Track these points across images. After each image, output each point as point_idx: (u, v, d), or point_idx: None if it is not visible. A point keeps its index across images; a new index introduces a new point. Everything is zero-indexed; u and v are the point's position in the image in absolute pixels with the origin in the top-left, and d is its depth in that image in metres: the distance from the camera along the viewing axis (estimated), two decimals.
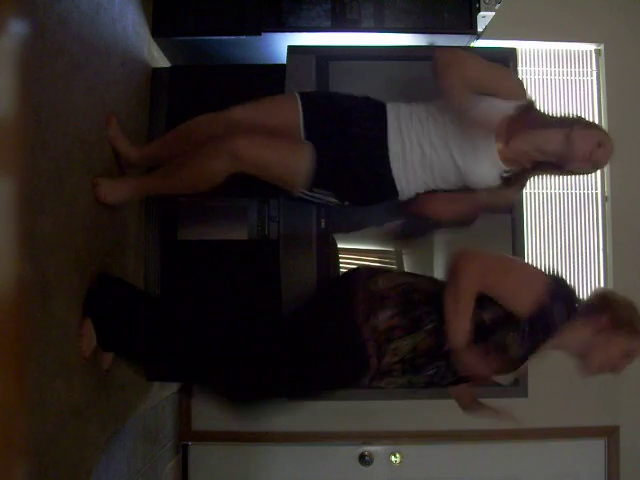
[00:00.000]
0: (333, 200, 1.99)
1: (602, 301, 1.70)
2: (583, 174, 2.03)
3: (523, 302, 1.59)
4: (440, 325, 1.62)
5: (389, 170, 1.93)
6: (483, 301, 1.62)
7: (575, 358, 1.69)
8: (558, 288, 1.63)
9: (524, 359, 1.64)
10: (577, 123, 1.89)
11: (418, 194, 2.02)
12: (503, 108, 1.88)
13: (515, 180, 1.95)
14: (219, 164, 1.88)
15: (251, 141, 1.89)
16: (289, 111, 1.97)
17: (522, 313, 1.58)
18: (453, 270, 1.63)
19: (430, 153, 1.91)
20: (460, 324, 1.58)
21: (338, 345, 1.68)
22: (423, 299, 1.67)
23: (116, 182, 1.98)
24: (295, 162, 1.91)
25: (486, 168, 1.90)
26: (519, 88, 1.96)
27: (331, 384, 1.80)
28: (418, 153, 1.92)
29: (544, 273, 1.69)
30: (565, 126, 1.87)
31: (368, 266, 1.87)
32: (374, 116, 1.94)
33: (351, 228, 2.46)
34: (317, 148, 1.91)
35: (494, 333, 1.62)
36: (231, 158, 1.86)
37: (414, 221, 2.27)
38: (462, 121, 1.85)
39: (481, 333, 1.61)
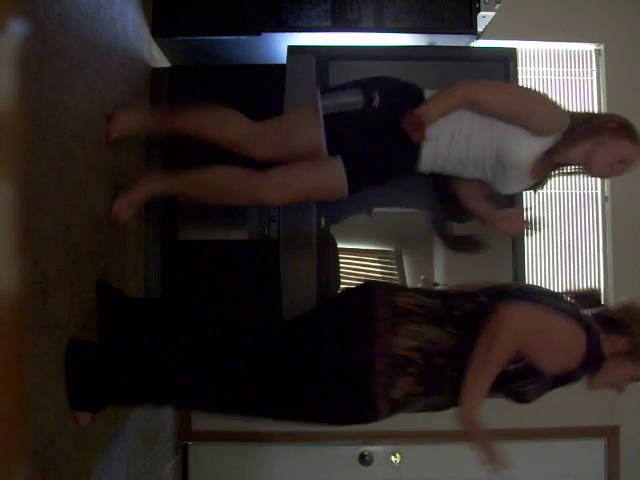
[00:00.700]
0: (360, 99, 1.92)
1: (626, 318, 1.63)
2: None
3: (555, 367, 1.55)
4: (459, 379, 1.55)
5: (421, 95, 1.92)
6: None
7: None
8: (592, 350, 1.56)
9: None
10: (607, 131, 1.86)
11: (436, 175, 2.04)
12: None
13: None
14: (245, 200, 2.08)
15: (281, 187, 1.98)
16: (312, 130, 1.95)
17: (551, 373, 1.55)
18: (493, 329, 1.51)
19: (468, 126, 1.90)
20: (477, 391, 1.51)
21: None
22: (446, 362, 1.58)
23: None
24: (331, 181, 1.97)
25: (525, 142, 1.87)
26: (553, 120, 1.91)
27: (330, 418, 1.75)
28: (457, 124, 1.90)
29: (583, 329, 1.56)
30: (594, 134, 1.85)
31: (384, 297, 1.65)
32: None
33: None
34: (344, 155, 1.95)
35: (515, 382, 1.58)
36: (268, 202, 2.06)
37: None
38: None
39: (502, 381, 1.55)
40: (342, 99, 1.92)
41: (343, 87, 1.97)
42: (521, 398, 1.62)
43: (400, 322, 1.57)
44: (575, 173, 2.01)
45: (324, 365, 1.63)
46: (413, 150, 1.92)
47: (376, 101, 1.88)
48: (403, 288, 1.70)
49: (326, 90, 1.99)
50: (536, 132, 1.85)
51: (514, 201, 2.36)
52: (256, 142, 1.99)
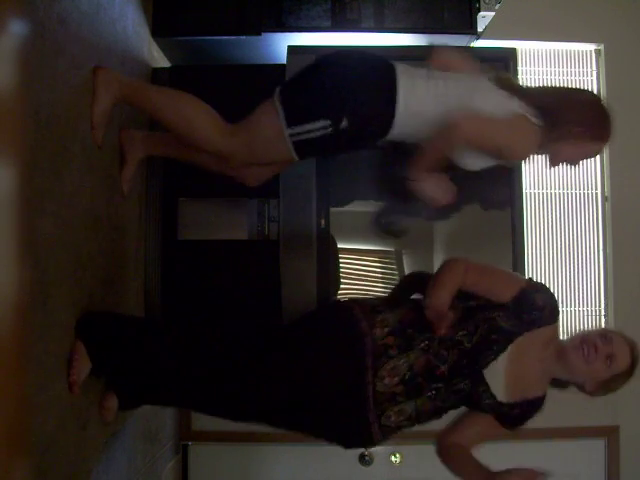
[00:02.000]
0: (329, 128, 1.80)
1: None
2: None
3: (503, 292, 1.70)
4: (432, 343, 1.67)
5: (394, 81, 1.79)
6: (467, 296, 1.72)
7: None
8: (537, 284, 1.76)
9: (517, 333, 1.68)
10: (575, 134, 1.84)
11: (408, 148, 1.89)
12: None
13: None
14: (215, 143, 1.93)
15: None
16: (282, 149, 1.89)
17: (504, 300, 1.69)
18: (438, 270, 1.76)
19: (441, 78, 1.82)
20: (440, 290, 1.67)
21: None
22: (423, 380, 1.69)
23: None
24: (264, 122, 1.87)
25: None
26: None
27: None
28: (426, 78, 1.81)
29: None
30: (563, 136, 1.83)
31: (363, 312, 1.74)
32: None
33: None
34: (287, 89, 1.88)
35: (482, 311, 1.70)
36: (223, 155, 1.94)
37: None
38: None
39: (469, 313, 1.70)
40: (309, 128, 1.82)
41: (307, 119, 1.84)
42: (499, 326, 1.68)
43: (380, 363, 1.66)
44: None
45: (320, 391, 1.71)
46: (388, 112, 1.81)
47: (344, 124, 1.80)
48: (377, 310, 1.73)
49: (286, 89, 1.89)
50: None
51: (514, 197, 2.37)
52: (225, 155, 1.96)
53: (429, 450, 3.18)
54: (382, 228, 2.49)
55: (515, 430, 1.77)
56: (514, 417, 1.72)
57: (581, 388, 1.74)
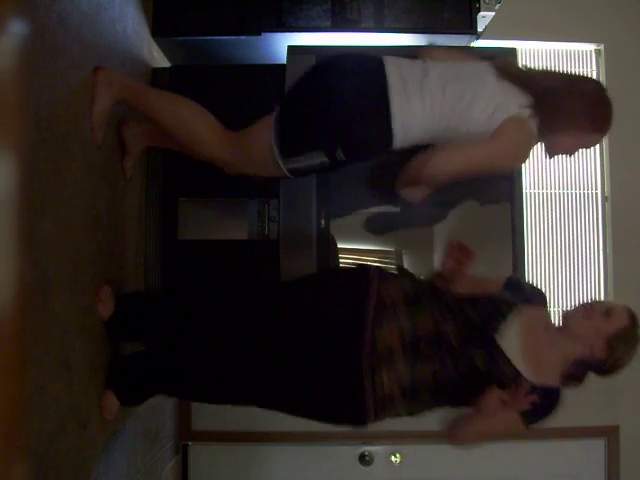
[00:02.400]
0: (324, 159, 1.80)
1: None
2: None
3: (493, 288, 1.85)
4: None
5: (387, 104, 1.75)
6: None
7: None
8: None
9: (515, 303, 1.74)
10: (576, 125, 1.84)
11: (411, 151, 1.86)
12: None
13: None
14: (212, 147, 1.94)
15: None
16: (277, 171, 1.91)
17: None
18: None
19: (436, 87, 1.78)
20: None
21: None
22: (429, 395, 1.68)
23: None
24: (259, 143, 1.85)
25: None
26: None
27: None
28: (421, 87, 1.77)
29: None
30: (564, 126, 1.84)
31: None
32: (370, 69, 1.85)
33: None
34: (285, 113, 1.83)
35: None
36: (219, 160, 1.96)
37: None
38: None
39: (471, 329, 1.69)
40: (303, 160, 1.82)
41: (302, 149, 1.82)
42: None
43: (382, 366, 1.65)
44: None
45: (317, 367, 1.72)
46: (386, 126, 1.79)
47: (340, 155, 1.80)
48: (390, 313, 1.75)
49: (280, 116, 1.83)
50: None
51: (514, 197, 2.37)
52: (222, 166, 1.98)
53: (429, 450, 3.18)
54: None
55: (532, 423, 1.71)
56: (533, 405, 1.65)
57: (594, 364, 1.69)
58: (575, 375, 1.71)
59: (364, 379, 1.65)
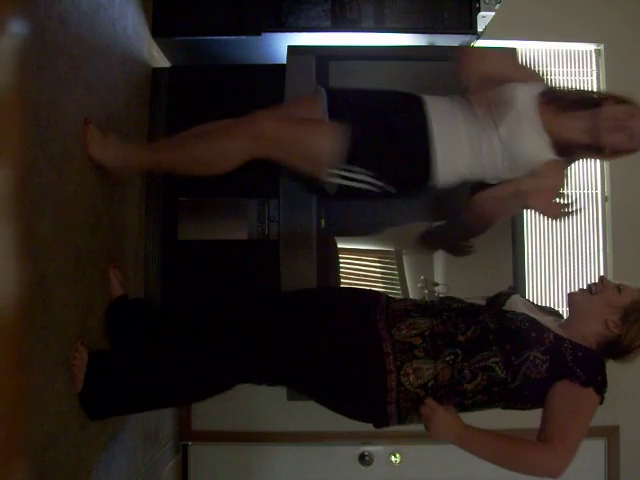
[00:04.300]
0: (374, 182, 1.82)
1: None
2: (631, 152, 1.90)
3: None
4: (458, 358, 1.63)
5: (428, 147, 1.81)
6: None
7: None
8: None
9: None
10: (605, 101, 1.85)
11: (452, 189, 1.92)
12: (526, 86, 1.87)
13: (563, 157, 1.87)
14: (240, 144, 1.76)
15: (276, 119, 1.80)
16: (313, 105, 1.87)
17: None
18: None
19: (476, 131, 1.84)
20: None
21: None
22: (443, 342, 1.65)
23: (107, 142, 1.82)
24: (322, 136, 1.77)
25: (533, 136, 1.82)
26: (537, 75, 1.97)
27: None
28: (463, 132, 1.84)
29: None
30: (592, 106, 1.85)
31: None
32: (410, 106, 1.87)
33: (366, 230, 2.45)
34: (350, 126, 1.79)
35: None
36: (255, 137, 1.75)
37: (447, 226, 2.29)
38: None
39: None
40: (359, 181, 1.82)
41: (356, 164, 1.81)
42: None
43: (404, 360, 1.62)
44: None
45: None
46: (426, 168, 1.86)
47: (392, 190, 1.85)
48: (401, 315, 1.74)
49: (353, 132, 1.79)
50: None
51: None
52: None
53: (429, 450, 3.18)
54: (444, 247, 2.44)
55: (601, 392, 1.59)
56: (588, 370, 1.58)
57: (610, 342, 1.66)
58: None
59: (388, 376, 1.62)
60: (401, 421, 1.69)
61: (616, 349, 1.66)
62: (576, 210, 1.81)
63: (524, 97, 1.83)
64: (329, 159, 1.77)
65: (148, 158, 1.95)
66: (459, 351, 1.60)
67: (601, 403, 1.61)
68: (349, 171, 1.79)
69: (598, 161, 3.21)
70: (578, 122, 1.84)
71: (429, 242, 2.38)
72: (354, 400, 1.70)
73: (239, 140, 1.77)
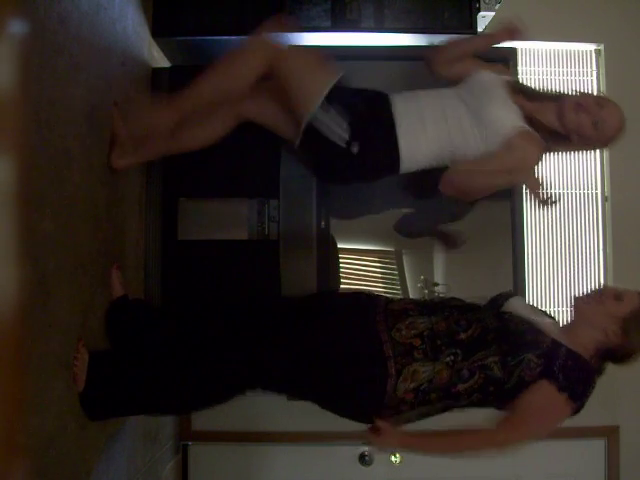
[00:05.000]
0: (342, 134, 1.88)
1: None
2: (599, 147, 2.02)
3: None
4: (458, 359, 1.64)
5: (395, 139, 1.90)
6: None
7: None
8: None
9: None
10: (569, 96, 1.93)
11: (422, 173, 1.98)
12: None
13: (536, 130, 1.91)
14: (257, 58, 1.88)
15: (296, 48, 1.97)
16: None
17: None
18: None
19: (443, 108, 1.91)
20: None
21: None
22: (443, 342, 1.65)
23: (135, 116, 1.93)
24: (324, 70, 1.91)
25: (501, 104, 1.87)
26: (504, 70, 2.07)
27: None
28: (430, 110, 1.92)
29: None
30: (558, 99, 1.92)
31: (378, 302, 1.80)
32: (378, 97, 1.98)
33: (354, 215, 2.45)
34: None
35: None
36: (272, 54, 1.88)
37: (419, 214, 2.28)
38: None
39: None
40: (331, 125, 1.88)
41: (343, 103, 1.90)
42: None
43: (404, 363, 1.63)
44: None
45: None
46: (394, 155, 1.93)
47: (355, 149, 1.88)
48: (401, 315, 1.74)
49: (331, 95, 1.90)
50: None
51: (514, 197, 2.37)
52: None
53: None
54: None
55: (576, 401, 1.61)
56: (570, 377, 1.60)
57: (610, 350, 1.68)
58: (598, 368, 1.70)
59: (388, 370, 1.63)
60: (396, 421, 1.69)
61: (616, 355, 1.68)
62: (552, 202, 1.92)
63: (491, 77, 1.93)
64: (321, 89, 1.86)
65: (174, 109, 1.94)
66: (459, 351, 1.61)
67: (575, 413, 1.62)
68: (327, 111, 1.86)
69: (598, 161, 3.21)
70: (546, 105, 1.91)
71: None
72: (354, 402, 1.70)
73: (255, 55, 1.89)
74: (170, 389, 1.79)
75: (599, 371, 1.69)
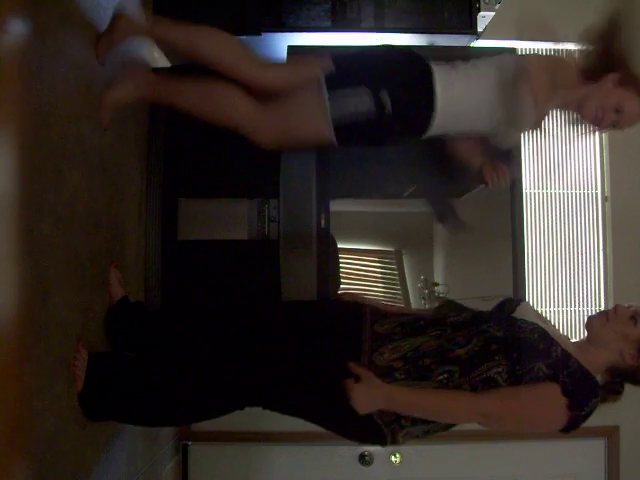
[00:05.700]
0: (367, 100, 1.83)
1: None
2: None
3: None
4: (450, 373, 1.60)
5: (431, 77, 1.86)
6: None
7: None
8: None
9: None
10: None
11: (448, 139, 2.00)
12: None
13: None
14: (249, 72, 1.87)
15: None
16: (320, 125, 1.89)
17: None
18: None
19: (475, 75, 1.92)
20: None
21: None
22: (434, 361, 1.61)
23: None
24: (310, 66, 1.88)
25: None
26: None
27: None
28: (463, 78, 1.90)
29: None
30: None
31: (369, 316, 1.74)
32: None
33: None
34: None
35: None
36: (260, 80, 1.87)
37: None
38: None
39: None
40: (351, 104, 1.83)
41: (348, 82, 1.85)
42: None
43: (380, 345, 1.62)
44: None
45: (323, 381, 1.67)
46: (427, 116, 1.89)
47: (388, 108, 1.82)
48: (385, 315, 1.72)
49: (330, 78, 1.86)
50: None
51: (514, 197, 2.37)
52: (257, 131, 1.90)
53: (429, 450, 3.18)
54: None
55: (576, 410, 1.63)
56: (575, 385, 1.59)
57: (626, 372, 1.66)
58: (611, 386, 1.66)
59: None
60: (394, 441, 1.66)
61: (631, 376, 1.65)
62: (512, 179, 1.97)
63: None
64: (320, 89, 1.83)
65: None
66: (455, 368, 1.58)
67: (569, 425, 1.65)
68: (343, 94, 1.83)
69: (598, 161, 3.21)
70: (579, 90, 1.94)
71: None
72: (345, 425, 1.70)
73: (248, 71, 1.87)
74: (166, 399, 1.79)
75: (614, 391, 1.67)
